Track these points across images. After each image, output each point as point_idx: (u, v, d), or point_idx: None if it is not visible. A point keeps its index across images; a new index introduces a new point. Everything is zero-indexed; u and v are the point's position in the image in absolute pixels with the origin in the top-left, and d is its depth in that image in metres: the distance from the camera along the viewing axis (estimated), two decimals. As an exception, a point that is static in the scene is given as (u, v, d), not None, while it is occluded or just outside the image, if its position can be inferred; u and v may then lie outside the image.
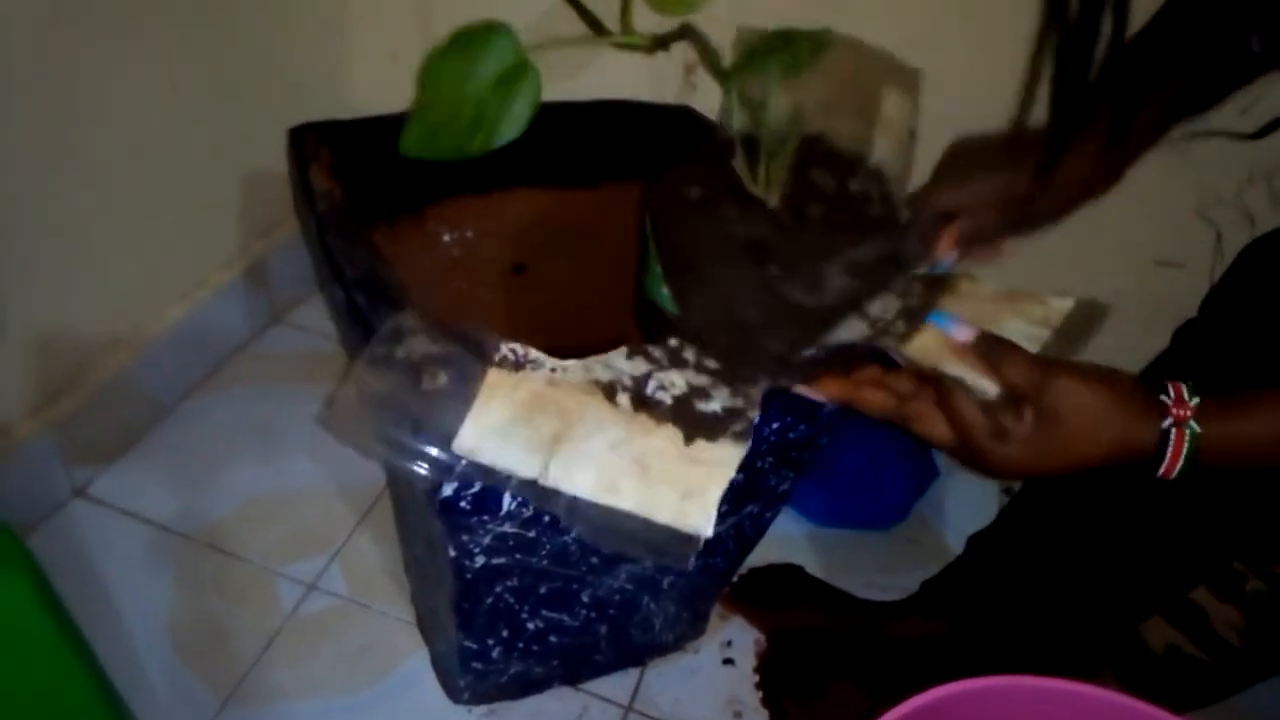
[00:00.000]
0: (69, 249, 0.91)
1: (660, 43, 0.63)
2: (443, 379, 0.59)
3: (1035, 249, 0.82)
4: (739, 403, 0.61)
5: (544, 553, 0.68)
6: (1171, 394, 0.56)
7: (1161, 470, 0.55)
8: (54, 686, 0.64)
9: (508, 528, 0.64)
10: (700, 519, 0.58)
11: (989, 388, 0.59)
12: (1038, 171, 0.64)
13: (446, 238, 0.91)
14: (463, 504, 0.62)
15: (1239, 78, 0.67)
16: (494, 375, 0.60)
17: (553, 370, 0.61)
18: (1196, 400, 0.55)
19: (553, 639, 0.80)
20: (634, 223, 0.96)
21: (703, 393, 0.62)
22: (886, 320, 0.64)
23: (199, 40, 0.98)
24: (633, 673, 0.92)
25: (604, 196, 0.94)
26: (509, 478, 0.58)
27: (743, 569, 0.96)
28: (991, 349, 0.59)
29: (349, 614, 0.93)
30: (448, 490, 0.61)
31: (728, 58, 0.67)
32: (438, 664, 0.89)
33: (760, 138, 0.65)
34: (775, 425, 0.66)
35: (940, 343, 0.62)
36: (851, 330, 0.64)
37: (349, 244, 0.73)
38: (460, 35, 0.57)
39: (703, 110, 0.95)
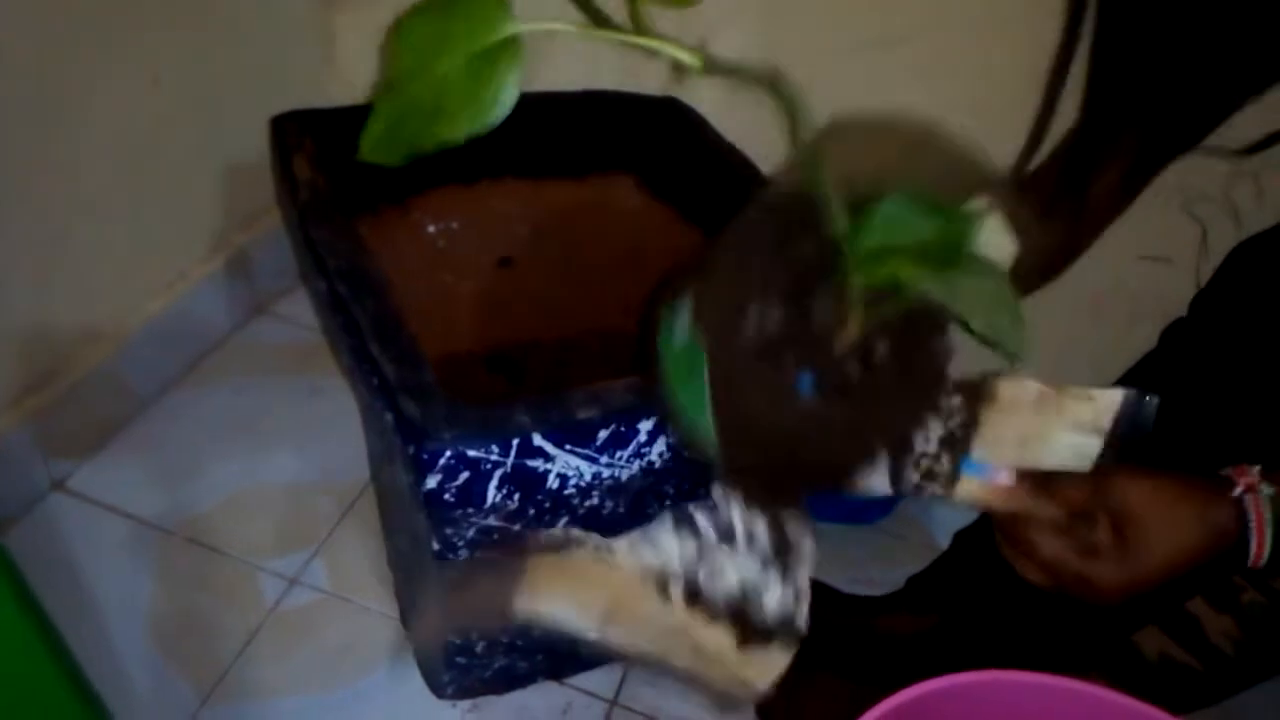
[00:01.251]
0: (49, 240, 0.90)
1: (712, 69, 0.48)
2: (485, 583, 0.58)
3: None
4: (789, 603, 0.59)
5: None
6: (1230, 469, 0.55)
7: (1254, 549, 0.55)
8: (29, 684, 0.63)
9: (492, 520, 0.64)
10: (753, 695, 0.58)
11: (1052, 509, 0.56)
12: (1068, 220, 0.63)
13: (431, 229, 0.91)
14: (447, 496, 0.61)
15: (1217, 115, 0.67)
16: (537, 565, 0.58)
17: (597, 550, 0.58)
18: (1257, 467, 0.55)
19: (537, 633, 0.80)
20: (622, 216, 0.95)
21: (755, 593, 0.59)
22: (930, 455, 0.59)
23: (180, 32, 0.97)
24: (617, 667, 0.92)
25: (591, 188, 0.93)
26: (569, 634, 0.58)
27: (729, 563, 0.96)
28: (1037, 481, 0.56)
29: (332, 609, 0.92)
30: (431, 483, 0.60)
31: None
32: (421, 659, 0.88)
33: (842, 270, 0.52)
34: (762, 419, 0.66)
35: (1002, 443, 0.58)
36: (897, 471, 0.59)
37: (332, 235, 0.72)
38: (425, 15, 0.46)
39: (688, 101, 0.95)
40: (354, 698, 0.86)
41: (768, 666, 0.58)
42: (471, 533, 0.65)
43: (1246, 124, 0.68)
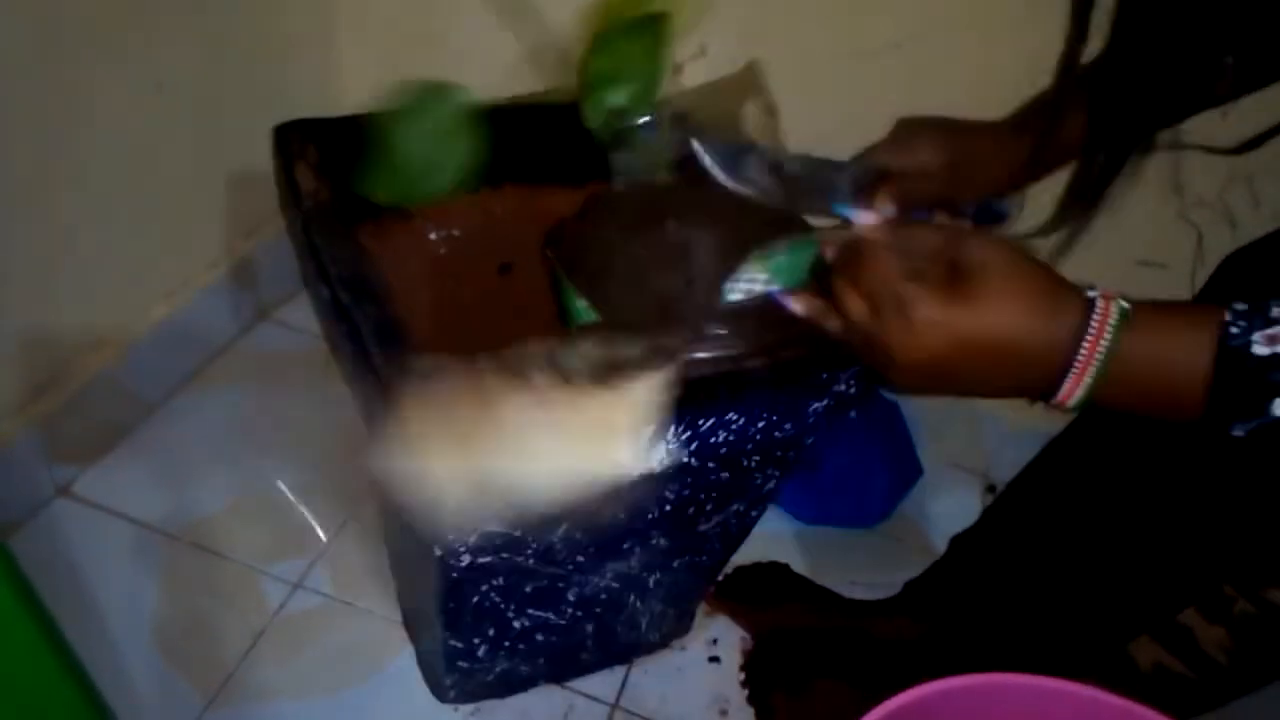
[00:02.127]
0: (54, 247, 0.91)
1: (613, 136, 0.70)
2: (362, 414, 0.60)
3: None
4: (657, 356, 0.60)
5: (530, 551, 0.68)
6: (1097, 290, 0.52)
7: (1082, 354, 0.50)
8: (34, 688, 0.63)
9: (494, 526, 0.64)
10: (633, 451, 0.57)
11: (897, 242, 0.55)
12: (1036, 139, 0.63)
13: (433, 236, 0.91)
14: (448, 503, 0.62)
15: (1207, 96, 0.67)
16: (409, 399, 0.59)
17: (466, 371, 0.60)
18: (1121, 298, 0.51)
19: (539, 637, 0.80)
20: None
21: (618, 357, 0.60)
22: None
23: (185, 39, 0.98)
24: (619, 670, 0.92)
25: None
26: (459, 497, 0.58)
27: (729, 567, 0.97)
28: (902, 226, 0.55)
29: (335, 613, 0.93)
30: (433, 489, 0.61)
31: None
32: (423, 663, 0.89)
33: (638, 157, 0.68)
34: (761, 424, 0.67)
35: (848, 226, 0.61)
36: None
37: (334, 242, 0.73)
38: (413, 92, 0.64)
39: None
40: (357, 702, 0.87)
41: (635, 399, 0.58)
42: (474, 538, 0.65)
43: (1242, 123, 0.68)
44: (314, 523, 0.99)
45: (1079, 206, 0.64)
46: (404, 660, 0.90)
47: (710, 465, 0.68)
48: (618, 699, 0.91)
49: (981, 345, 0.52)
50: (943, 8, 0.94)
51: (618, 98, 0.65)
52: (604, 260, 0.67)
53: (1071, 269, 1.01)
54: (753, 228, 0.66)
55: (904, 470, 1.09)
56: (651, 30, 0.64)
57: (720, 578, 0.97)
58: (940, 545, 0.94)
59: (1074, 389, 0.52)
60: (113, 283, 0.99)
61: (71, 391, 0.96)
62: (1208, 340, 0.49)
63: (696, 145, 0.66)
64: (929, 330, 0.52)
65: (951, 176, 0.69)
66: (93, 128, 0.90)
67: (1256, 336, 0.49)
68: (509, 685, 0.88)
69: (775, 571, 1.00)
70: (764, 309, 0.62)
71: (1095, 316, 0.50)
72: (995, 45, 0.89)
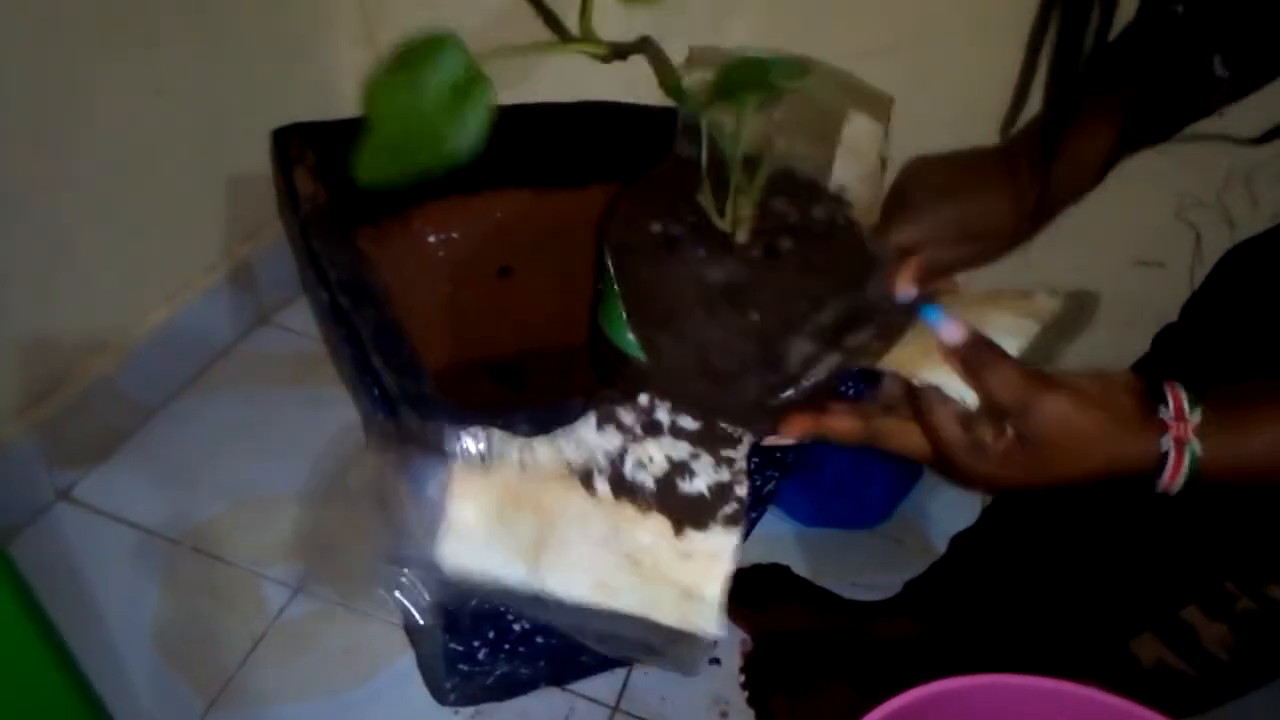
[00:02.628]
0: (54, 251, 0.91)
1: (618, 52, 0.57)
2: (404, 490, 0.55)
3: (1015, 251, 0.81)
4: (724, 476, 0.58)
5: (530, 554, 0.68)
6: (1170, 405, 0.52)
7: (1160, 488, 0.53)
8: (34, 692, 0.63)
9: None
10: (705, 620, 0.55)
11: (970, 397, 0.55)
12: (1036, 180, 0.62)
13: (432, 239, 0.91)
14: (448, 506, 0.62)
15: (1198, 106, 0.66)
16: (460, 478, 0.56)
17: (521, 454, 0.57)
18: (1198, 414, 0.52)
19: (539, 640, 0.80)
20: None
21: (684, 469, 0.58)
22: (865, 343, 0.61)
23: (183, 43, 0.98)
24: (619, 673, 0.92)
25: (590, 198, 0.94)
26: (501, 590, 0.55)
27: (729, 569, 0.97)
28: (979, 356, 0.54)
29: (335, 616, 0.93)
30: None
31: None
32: (424, 666, 0.89)
33: (729, 169, 0.59)
34: (760, 426, 0.67)
35: (918, 354, 0.59)
36: (828, 365, 0.60)
37: (333, 246, 0.73)
38: (405, 50, 0.53)
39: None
40: (357, 705, 0.87)
41: (711, 561, 0.56)
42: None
43: (1255, 114, 0.68)
44: (314, 526, 0.99)
45: (1034, 225, 0.64)
46: (404, 663, 0.90)
47: (709, 467, 0.68)
48: (618, 701, 0.91)
49: (1052, 484, 0.54)
50: (937, 15, 0.95)
51: (741, 101, 0.56)
52: (668, 307, 0.60)
53: (1068, 271, 1.01)
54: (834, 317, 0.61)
55: (904, 471, 1.09)
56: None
57: (720, 579, 0.97)
58: (941, 545, 0.94)
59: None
60: (112, 287, 0.99)
61: (71, 396, 0.96)
62: None
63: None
64: (989, 487, 0.56)
65: (971, 243, 0.65)
66: (92, 131, 0.90)
67: None
68: (509, 688, 0.88)
69: (775, 573, 1.00)
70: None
71: (1168, 469, 0.52)
72: (994, 49, 0.89)
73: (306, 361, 1.15)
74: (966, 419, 0.54)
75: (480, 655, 0.79)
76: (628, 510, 0.56)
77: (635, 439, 0.58)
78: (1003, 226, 0.64)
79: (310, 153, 0.80)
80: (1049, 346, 0.61)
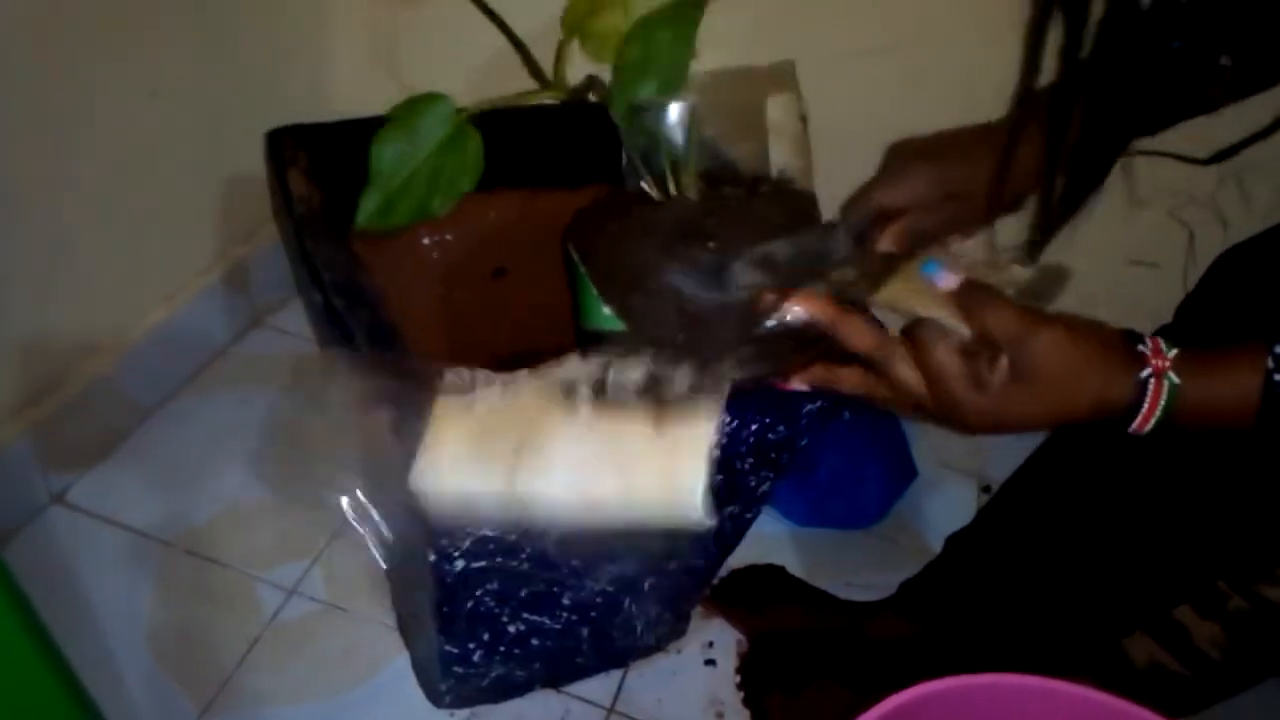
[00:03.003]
0: (51, 252, 0.91)
1: (575, 93, 0.66)
2: (386, 417, 0.57)
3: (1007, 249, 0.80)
4: (706, 381, 0.59)
5: (524, 556, 0.68)
6: (1149, 345, 0.55)
7: (1136, 423, 0.55)
8: (28, 696, 0.63)
9: (487, 531, 0.64)
10: (691, 508, 0.56)
11: (964, 329, 0.57)
12: (1001, 160, 0.64)
13: (426, 241, 0.91)
14: (442, 507, 0.62)
15: (1199, 97, 0.67)
16: (441, 404, 0.57)
17: (504, 385, 0.59)
18: (1174, 352, 0.55)
19: (534, 642, 0.80)
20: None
21: (665, 379, 0.60)
22: (848, 282, 0.63)
23: (179, 46, 0.98)
24: (615, 674, 0.92)
25: (585, 199, 0.94)
26: (480, 506, 0.57)
27: (724, 570, 0.97)
28: (975, 295, 0.57)
29: (330, 619, 0.93)
30: (427, 494, 0.61)
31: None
32: (419, 668, 0.89)
33: (662, 152, 0.65)
34: (754, 426, 0.67)
35: (910, 292, 0.61)
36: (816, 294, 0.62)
37: (327, 248, 0.73)
38: (399, 111, 0.61)
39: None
40: (352, 707, 0.86)
41: (694, 449, 0.57)
42: (467, 543, 0.65)
43: (1222, 128, 0.69)
44: (308, 529, 0.99)
45: (1048, 227, 0.66)
46: (399, 665, 0.90)
47: (704, 468, 0.68)
48: (614, 703, 0.91)
49: (1035, 427, 0.58)
50: (937, 16, 0.95)
51: (647, 89, 0.61)
52: (633, 269, 0.65)
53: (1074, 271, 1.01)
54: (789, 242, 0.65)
55: (899, 471, 1.09)
56: (685, 18, 0.61)
57: (716, 580, 0.98)
58: (936, 546, 0.94)
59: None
60: (108, 288, 0.99)
61: (67, 397, 0.96)
62: (1255, 385, 0.54)
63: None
64: (982, 425, 0.57)
65: (952, 206, 0.68)
66: (90, 133, 0.90)
67: None
68: (504, 690, 0.88)
69: (771, 574, 1.00)
70: (795, 329, 0.62)
71: (1146, 401, 0.55)
72: (991, 48, 0.89)
73: (302, 362, 1.15)
74: (965, 352, 0.56)
75: (475, 657, 0.79)
76: (608, 411, 0.58)
77: (619, 358, 0.60)
78: (982, 189, 0.66)
79: (304, 155, 0.80)
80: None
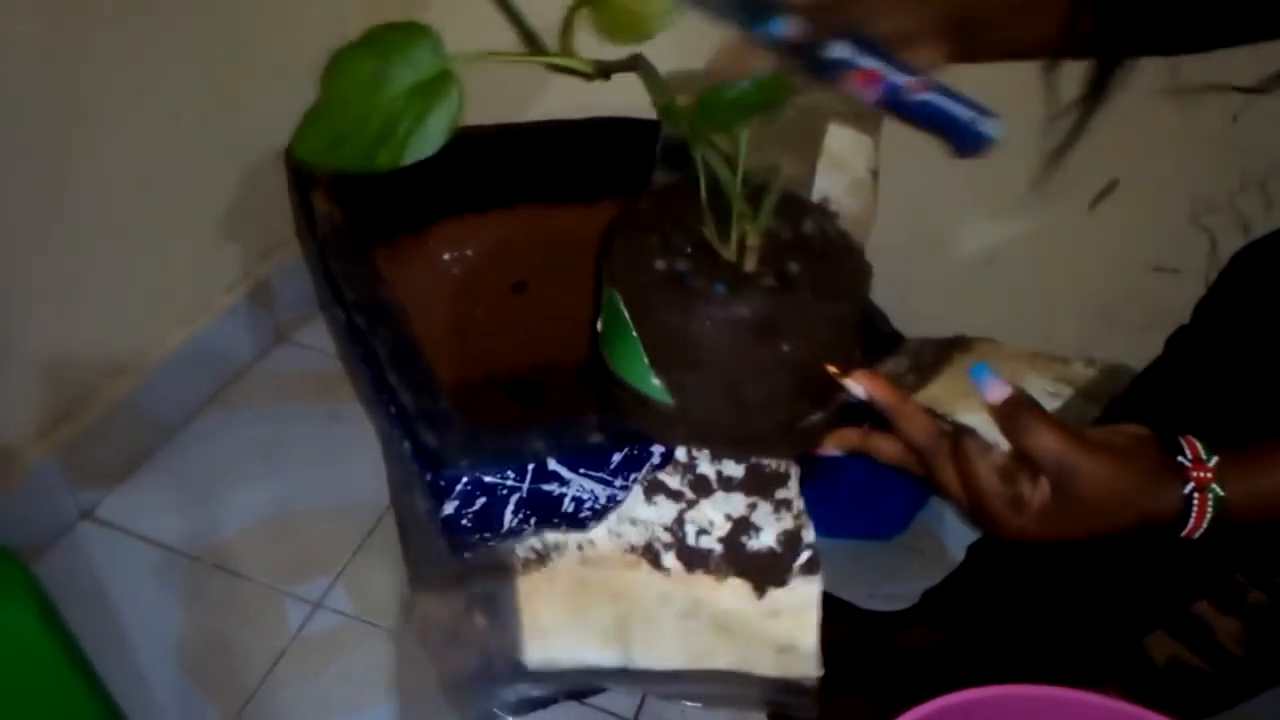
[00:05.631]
0: (74, 275, 0.92)
1: (604, 71, 0.57)
2: (480, 620, 0.56)
3: (1032, 256, 0.80)
4: (787, 524, 0.58)
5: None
6: (1189, 454, 0.54)
7: (1185, 533, 0.54)
8: (59, 710, 0.64)
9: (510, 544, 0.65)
10: (805, 667, 0.56)
11: (1004, 445, 0.55)
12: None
13: (447, 257, 0.92)
14: (464, 521, 0.62)
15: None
16: (524, 584, 0.56)
17: (580, 548, 0.57)
18: (1215, 460, 0.54)
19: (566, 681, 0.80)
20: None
21: (747, 525, 0.58)
22: (898, 374, 0.62)
23: (200, 68, 0.99)
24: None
25: (602, 213, 0.95)
26: (592, 673, 0.56)
27: (746, 581, 0.97)
28: (1021, 416, 0.54)
29: (356, 632, 0.93)
30: (449, 508, 0.61)
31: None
32: (443, 680, 0.89)
33: (730, 198, 0.58)
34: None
35: (955, 393, 0.59)
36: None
37: (349, 266, 0.74)
38: (376, 33, 0.48)
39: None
40: (378, 720, 0.87)
41: (799, 614, 0.56)
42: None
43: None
44: (334, 543, 1.00)
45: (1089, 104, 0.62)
46: (424, 678, 0.90)
47: (725, 480, 0.68)
48: (637, 715, 0.91)
49: (1085, 537, 0.56)
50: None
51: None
52: (691, 345, 0.58)
53: (1086, 277, 1.00)
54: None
55: (921, 482, 1.08)
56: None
57: (738, 591, 0.97)
58: (959, 554, 0.93)
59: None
60: (133, 308, 1.01)
61: (93, 417, 0.97)
62: None
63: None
64: (1025, 539, 0.56)
65: (960, 39, 0.62)
66: (111, 155, 0.92)
67: None
68: (529, 703, 0.88)
69: (793, 584, 1.00)
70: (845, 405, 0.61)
71: (1193, 514, 0.54)
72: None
73: (324, 378, 1.16)
74: (1006, 471, 0.55)
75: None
76: (703, 580, 0.56)
77: (689, 504, 0.58)
78: (1004, 34, 0.63)
79: (326, 173, 0.81)
80: (1079, 411, 0.61)
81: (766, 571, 0.57)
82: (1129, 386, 0.75)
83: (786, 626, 0.56)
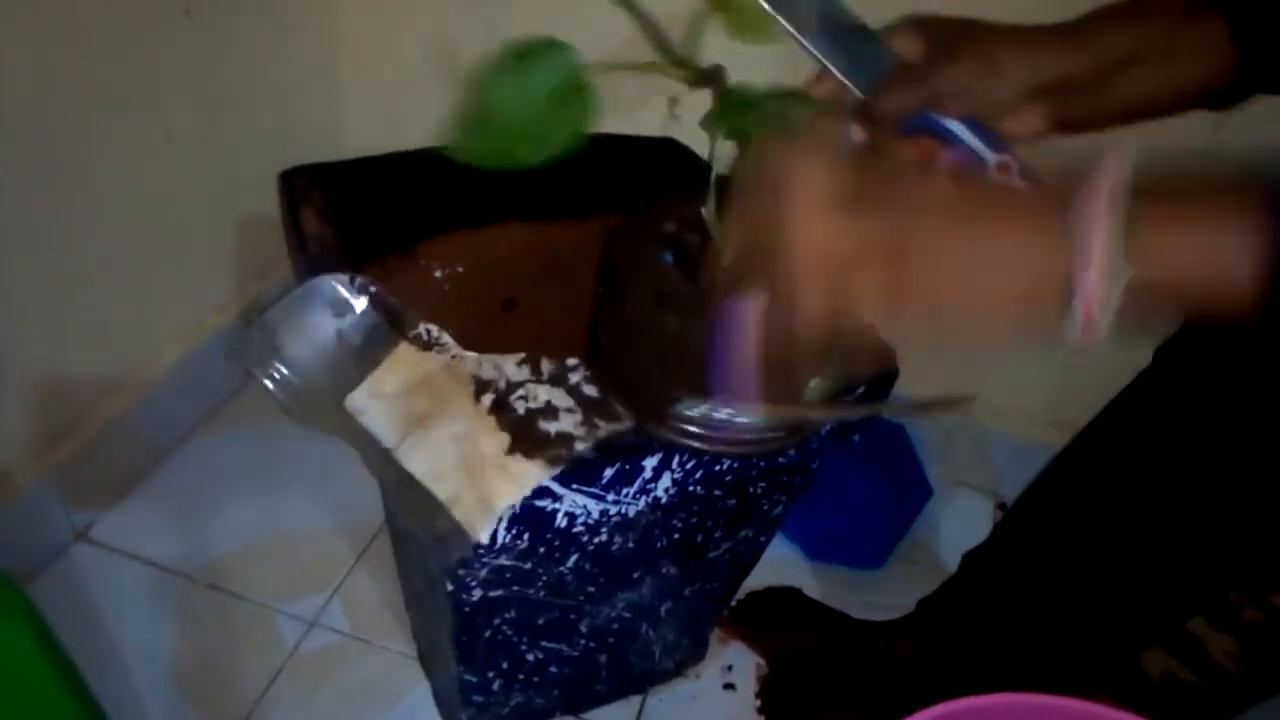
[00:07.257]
0: (67, 294, 0.93)
1: (699, 79, 0.58)
2: (358, 339, 0.64)
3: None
4: (579, 433, 0.61)
5: (540, 584, 0.69)
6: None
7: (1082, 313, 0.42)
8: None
9: (503, 560, 0.65)
10: (480, 522, 0.59)
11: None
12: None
13: (438, 274, 0.92)
14: (458, 538, 0.63)
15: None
16: (404, 348, 0.63)
17: (454, 357, 0.64)
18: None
19: (553, 669, 0.81)
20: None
21: (553, 412, 0.62)
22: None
23: (193, 89, 1.00)
24: (634, 700, 0.93)
25: (593, 229, 0.95)
26: (360, 446, 0.62)
27: (741, 593, 0.97)
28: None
29: (351, 650, 0.93)
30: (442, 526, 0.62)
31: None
32: (439, 697, 0.89)
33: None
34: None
35: None
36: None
37: (341, 285, 0.74)
38: (519, 49, 0.55)
39: (683, 140, 0.96)
40: (374, 738, 0.87)
41: (517, 479, 0.59)
42: (484, 572, 0.66)
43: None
44: (328, 561, 1.00)
45: None
46: (420, 695, 0.90)
47: (717, 493, 0.69)
48: (634, 728, 0.91)
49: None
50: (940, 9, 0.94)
51: None
52: (623, 289, 0.66)
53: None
54: None
55: (907, 504, 1.09)
56: None
57: (733, 604, 0.98)
58: (952, 564, 0.94)
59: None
60: (126, 328, 1.01)
61: (87, 437, 0.98)
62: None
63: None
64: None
65: (1061, 105, 0.57)
66: (104, 176, 0.92)
67: None
68: (525, 718, 0.88)
69: (788, 596, 1.00)
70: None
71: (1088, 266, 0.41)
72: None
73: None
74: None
75: (495, 686, 0.80)
76: (490, 422, 0.61)
77: (539, 381, 0.64)
78: (1086, 86, 0.56)
79: (317, 193, 0.81)
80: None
81: (527, 442, 0.60)
82: (1119, 395, 0.75)
83: (500, 484, 0.59)
